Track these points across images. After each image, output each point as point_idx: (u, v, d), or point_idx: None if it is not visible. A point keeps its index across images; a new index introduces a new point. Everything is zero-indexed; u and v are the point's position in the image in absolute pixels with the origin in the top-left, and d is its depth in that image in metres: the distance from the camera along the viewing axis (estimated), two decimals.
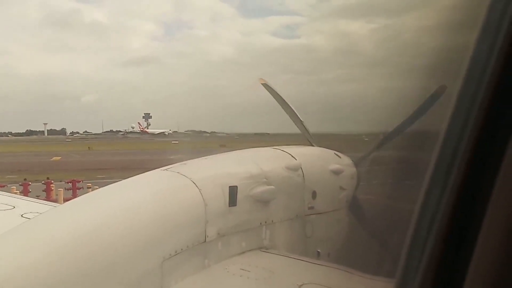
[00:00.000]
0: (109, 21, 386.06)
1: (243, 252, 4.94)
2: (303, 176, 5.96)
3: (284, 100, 7.83)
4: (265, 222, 5.29)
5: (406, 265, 1.25)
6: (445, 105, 1.21)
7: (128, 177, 5.01)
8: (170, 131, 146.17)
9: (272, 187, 5.33)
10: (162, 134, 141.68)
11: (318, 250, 6.09)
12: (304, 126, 7.75)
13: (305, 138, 7.71)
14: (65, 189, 23.88)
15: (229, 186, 4.86)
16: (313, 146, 7.50)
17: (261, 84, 7.98)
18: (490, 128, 1.09)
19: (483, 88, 1.10)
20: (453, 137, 1.16)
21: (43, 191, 23.55)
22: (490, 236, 1.04)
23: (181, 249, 4.25)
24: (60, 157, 56.66)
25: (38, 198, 12.73)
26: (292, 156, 6.08)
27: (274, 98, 7.86)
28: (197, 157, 5.71)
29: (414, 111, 6.03)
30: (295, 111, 7.79)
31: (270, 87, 7.91)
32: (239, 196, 4.93)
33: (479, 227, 1.05)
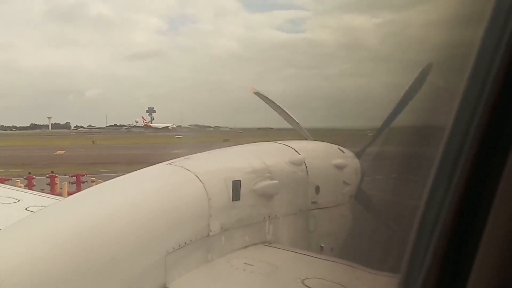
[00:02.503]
0: (114, 15, 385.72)
1: (247, 247, 4.94)
2: (307, 171, 5.95)
3: (277, 105, 7.97)
4: (269, 216, 5.30)
5: (411, 261, 1.24)
6: (451, 101, 1.20)
7: (132, 171, 5.02)
8: (174, 126, 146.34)
9: (276, 181, 5.33)
10: (165, 128, 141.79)
11: (322, 245, 6.09)
12: (301, 127, 7.88)
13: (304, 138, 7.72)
14: (69, 183, 23.96)
15: (233, 181, 4.86)
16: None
17: (253, 93, 8.13)
18: (496, 124, 1.09)
19: (489, 83, 1.10)
20: (458, 133, 1.16)
21: (47, 184, 23.63)
22: (494, 233, 1.03)
23: (185, 243, 4.26)
24: (64, 151, 56.79)
25: (42, 192, 12.77)
26: (296, 151, 6.07)
27: (268, 105, 8.02)
28: (201, 152, 5.72)
29: (404, 93, 6.10)
30: (290, 114, 7.94)
31: (262, 95, 8.07)
32: (243, 190, 4.93)
33: (483, 224, 1.05)
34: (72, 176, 25.44)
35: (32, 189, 18.30)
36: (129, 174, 5.00)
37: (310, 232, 6.00)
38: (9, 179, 23.24)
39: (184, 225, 4.39)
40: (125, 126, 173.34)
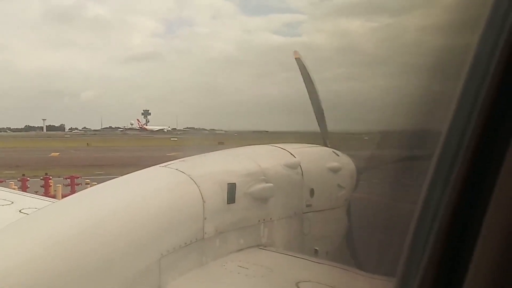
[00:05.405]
0: (111, 17, 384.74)
1: (241, 249, 4.94)
2: (302, 174, 5.95)
3: (313, 84, 7.42)
4: (263, 219, 5.29)
5: (406, 265, 1.24)
6: (447, 105, 1.21)
7: (127, 174, 5.01)
8: (169, 128, 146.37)
9: (271, 184, 5.33)
10: (161, 131, 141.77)
11: (316, 248, 6.09)
12: (324, 120, 7.45)
13: (321, 133, 7.45)
14: (64, 185, 23.85)
15: (228, 183, 4.86)
16: (326, 143, 7.38)
17: (295, 58, 7.60)
18: (492, 128, 1.09)
19: (485, 87, 1.10)
20: (454, 136, 1.16)
21: (41, 186, 23.48)
22: (490, 236, 1.04)
23: (179, 246, 4.25)
24: (58, 153, 56.59)
25: (36, 194, 12.71)
26: (291, 154, 6.07)
27: (303, 77, 7.47)
28: (196, 154, 5.71)
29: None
30: (321, 100, 7.39)
31: (303, 65, 7.50)
32: (238, 193, 4.93)
33: (479, 226, 1.05)
34: (66, 178, 25.32)
35: (26, 191, 18.20)
36: (123, 176, 4.98)
37: (305, 235, 6.00)
38: (2, 181, 23.11)
39: (179, 228, 4.38)
40: (120, 128, 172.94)
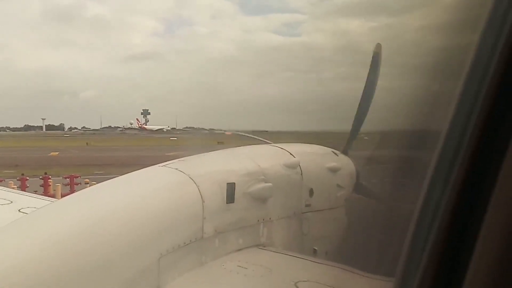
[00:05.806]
0: (110, 17, 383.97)
1: (240, 249, 4.94)
2: (301, 174, 5.95)
3: (375, 82, 6.95)
4: (263, 219, 5.30)
5: (406, 265, 1.24)
6: (447, 105, 1.21)
7: (126, 173, 5.01)
8: (168, 128, 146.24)
9: (270, 184, 5.33)
10: (160, 130, 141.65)
11: (315, 248, 6.09)
12: (361, 122, 7.14)
13: (350, 133, 7.28)
14: (63, 184, 23.84)
15: (227, 183, 4.86)
16: (350, 145, 7.24)
17: (374, 51, 7.01)
18: (492, 128, 1.09)
19: (485, 87, 1.10)
20: (454, 136, 1.16)
21: (40, 186, 23.48)
22: (490, 236, 1.04)
23: (178, 246, 4.25)
24: (58, 153, 56.59)
25: (35, 193, 12.70)
26: (291, 154, 6.08)
27: (369, 71, 6.93)
28: (195, 154, 5.71)
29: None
30: (371, 102, 6.92)
31: (377, 60, 6.92)
32: (237, 193, 4.93)
33: (479, 226, 1.05)
34: (65, 178, 25.33)
35: (25, 191, 18.19)
36: (123, 176, 4.98)
37: (304, 235, 6.01)
38: (2, 180, 23.12)
39: (178, 228, 4.37)
40: (120, 128, 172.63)
